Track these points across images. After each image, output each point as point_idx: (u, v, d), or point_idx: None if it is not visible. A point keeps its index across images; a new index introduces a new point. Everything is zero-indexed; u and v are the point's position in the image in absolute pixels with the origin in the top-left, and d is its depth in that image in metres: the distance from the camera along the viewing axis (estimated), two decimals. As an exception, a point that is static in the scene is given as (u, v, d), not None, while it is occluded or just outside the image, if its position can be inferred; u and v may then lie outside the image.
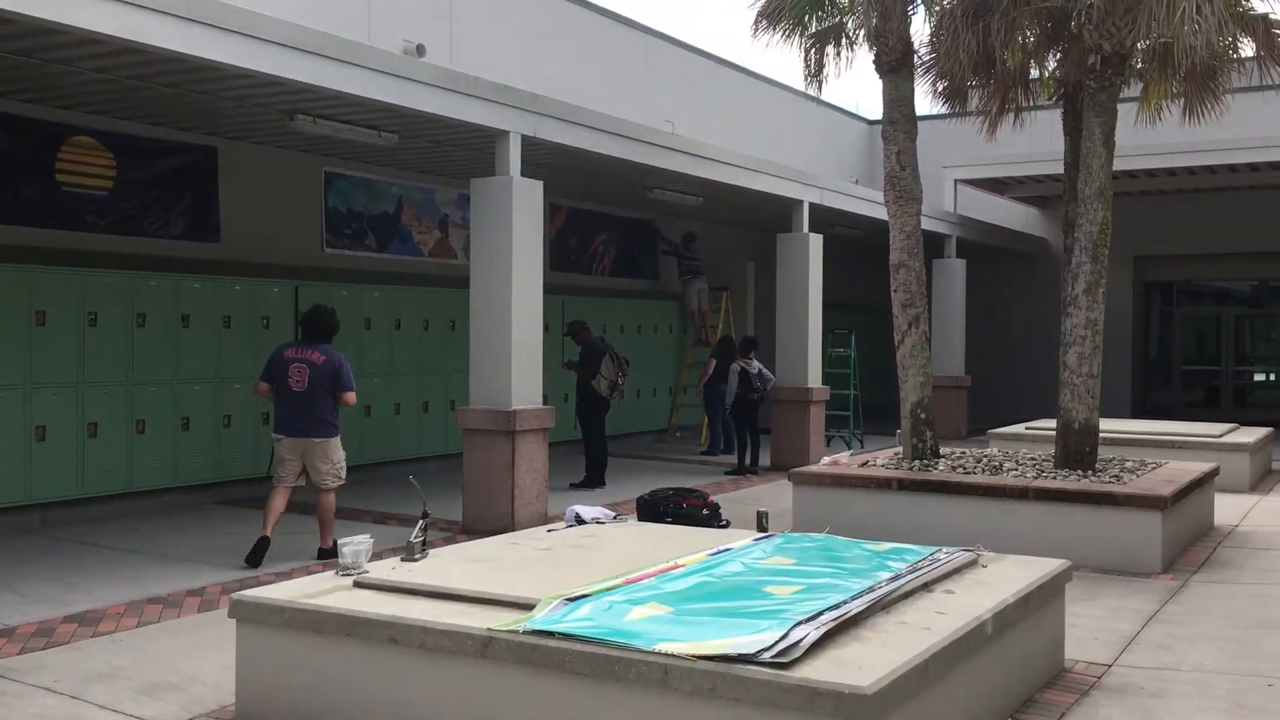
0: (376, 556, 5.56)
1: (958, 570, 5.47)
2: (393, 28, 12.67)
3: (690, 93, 17.95)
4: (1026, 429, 13.88)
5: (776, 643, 3.99)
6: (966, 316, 19.10)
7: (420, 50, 12.72)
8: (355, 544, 5.25)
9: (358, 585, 5.04)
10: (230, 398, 11.00)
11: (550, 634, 4.22)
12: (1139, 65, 10.11)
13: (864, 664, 3.94)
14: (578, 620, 4.31)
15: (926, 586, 5.11)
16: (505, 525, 8.89)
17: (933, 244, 18.52)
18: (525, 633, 4.25)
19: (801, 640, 4.03)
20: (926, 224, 17.13)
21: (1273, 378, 22.52)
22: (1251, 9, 9.43)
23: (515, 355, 9.49)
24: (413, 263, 13.31)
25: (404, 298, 12.84)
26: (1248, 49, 9.77)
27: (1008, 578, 5.42)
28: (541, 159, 10.74)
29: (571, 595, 4.60)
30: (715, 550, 5.65)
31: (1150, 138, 13.03)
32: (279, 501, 8.33)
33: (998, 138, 11.92)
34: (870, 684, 3.74)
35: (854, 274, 19.85)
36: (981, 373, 20.51)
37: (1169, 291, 22.97)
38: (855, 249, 18.69)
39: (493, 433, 9.48)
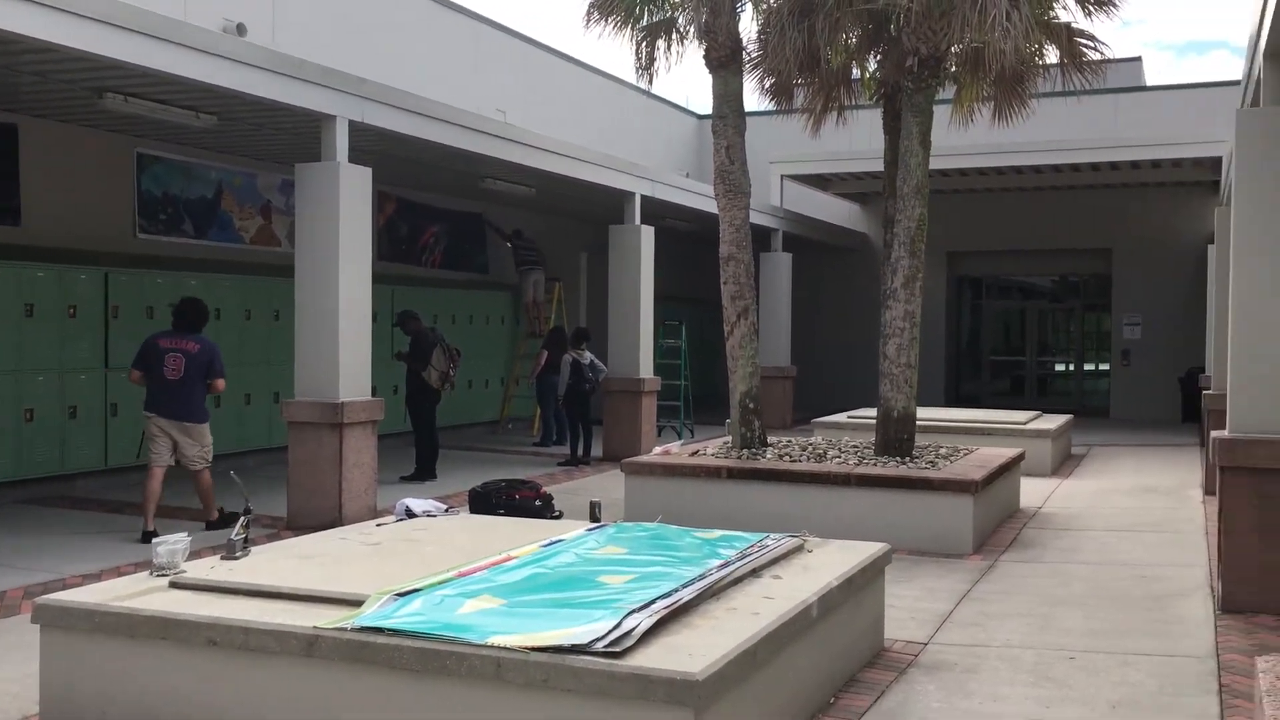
0: (195, 555, 5.34)
1: (785, 556, 5.62)
2: (211, 5, 12.15)
3: (523, 82, 17.85)
4: (849, 418, 14.35)
5: (609, 632, 4.01)
6: (793, 309, 19.61)
7: (241, 29, 12.25)
8: (171, 543, 5.02)
9: (174, 586, 4.83)
10: (33, 390, 10.37)
11: (380, 630, 4.14)
12: (953, 68, 10.56)
13: (695, 650, 4.01)
14: (408, 615, 4.23)
15: (755, 572, 5.23)
16: (333, 520, 8.66)
17: (760, 238, 18.95)
18: (353, 630, 4.15)
19: (634, 629, 4.06)
20: (754, 218, 17.48)
21: (1071, 368, 23.92)
22: (1056, 18, 9.98)
23: (342, 346, 9.26)
24: (233, 250, 12.81)
25: (224, 286, 12.34)
26: (1052, 56, 10.34)
27: (831, 562, 5.60)
28: (370, 145, 10.49)
29: (401, 590, 4.51)
30: (548, 541, 5.64)
31: (964, 138, 13.64)
32: (155, 485, 8.65)
33: (821, 135, 12.27)
34: (701, 669, 3.81)
35: (685, 266, 20.13)
36: (807, 363, 21.13)
37: (979, 286, 24.13)
38: (686, 241, 18.96)
39: (319, 425, 9.22)
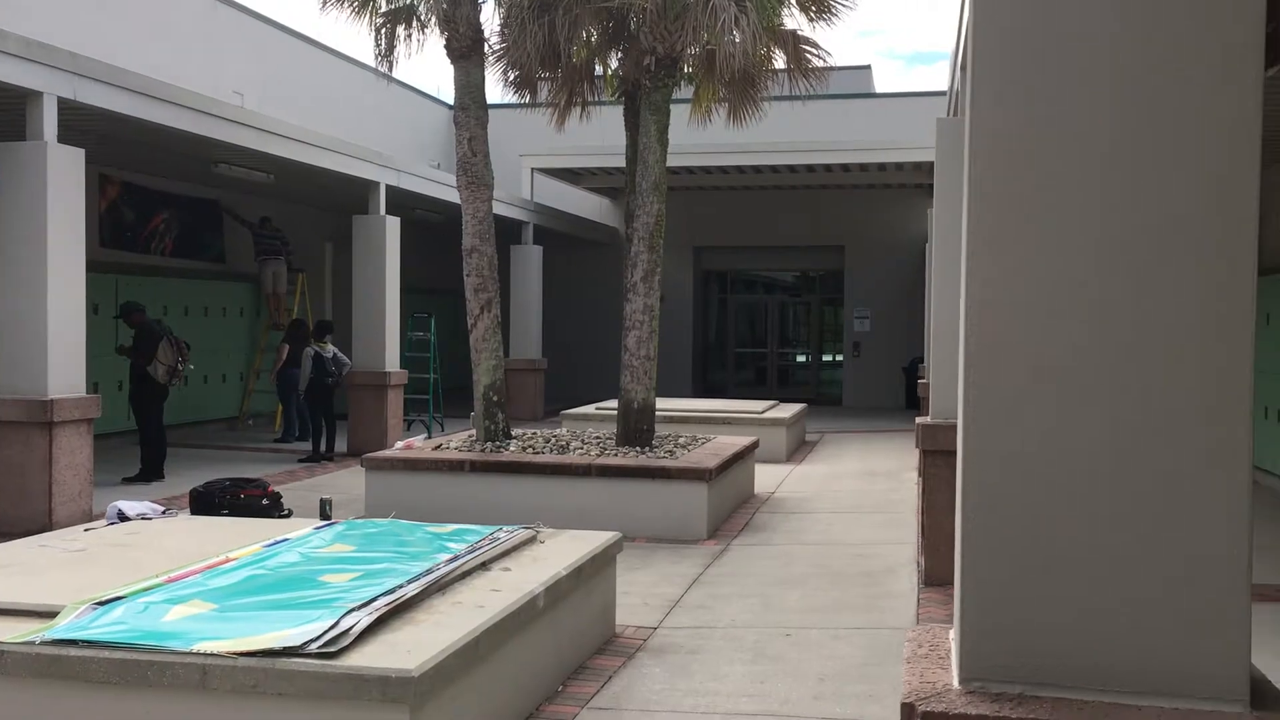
0: None
1: (517, 548, 5.65)
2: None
3: (264, 65, 17.14)
4: (596, 409, 14.58)
5: (325, 632, 3.93)
6: (546, 301, 19.72)
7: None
8: None
9: None
10: None
11: (74, 643, 3.89)
12: (689, 69, 10.89)
13: (415, 646, 3.98)
14: (107, 625, 4.01)
15: (485, 565, 5.24)
16: (43, 526, 8.08)
17: (512, 230, 18.98)
18: (42, 644, 3.89)
19: (352, 628, 4.00)
20: (505, 210, 17.52)
21: (810, 359, 25.17)
22: (783, 25, 10.46)
23: (52, 339, 8.63)
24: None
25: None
26: (780, 61, 10.83)
27: (562, 552, 5.68)
28: (85, 125, 9.82)
29: (103, 599, 4.26)
30: (271, 541, 5.47)
31: (705, 137, 14.08)
32: None
33: (568, 130, 12.39)
34: (418, 665, 3.78)
35: (437, 257, 19.89)
36: (560, 356, 21.31)
37: (725, 280, 25.00)
38: (439, 232, 18.72)
39: (26, 425, 8.58)
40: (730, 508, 9.86)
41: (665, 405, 14.47)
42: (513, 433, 10.40)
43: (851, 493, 11.25)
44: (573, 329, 22.67)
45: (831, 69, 11.01)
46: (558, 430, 12.01)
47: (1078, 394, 2.07)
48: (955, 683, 2.06)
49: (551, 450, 9.77)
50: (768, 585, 7.32)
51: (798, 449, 14.82)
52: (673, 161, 14.65)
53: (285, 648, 3.82)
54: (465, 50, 10.04)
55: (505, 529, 5.93)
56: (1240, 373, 1.97)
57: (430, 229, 18.49)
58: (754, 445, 11.02)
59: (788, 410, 14.91)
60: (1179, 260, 2.03)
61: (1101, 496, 2.07)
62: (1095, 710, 1.93)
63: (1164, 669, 2.01)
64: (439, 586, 4.75)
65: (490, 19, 14.68)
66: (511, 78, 11.20)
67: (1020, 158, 2.07)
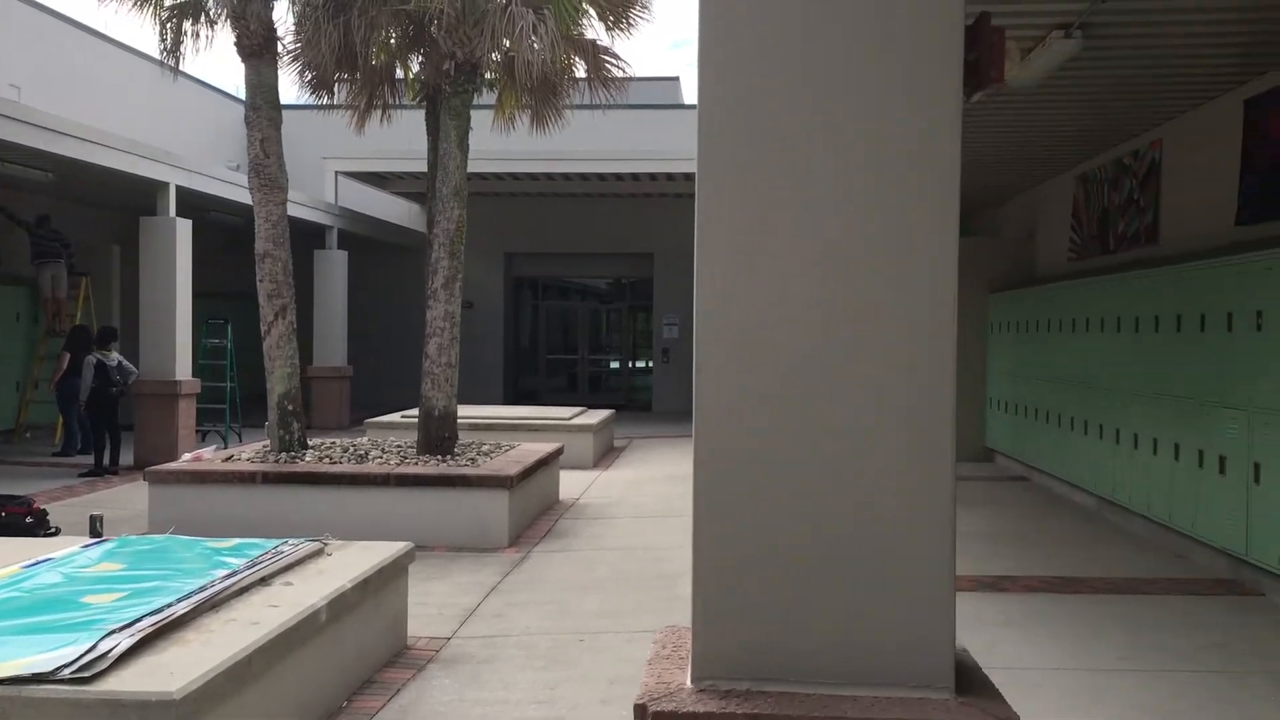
0: None
1: (301, 561, 5.50)
2: None
3: (42, 57, 16.16)
4: (402, 417, 14.33)
5: (81, 656, 3.73)
6: (354, 307, 19.27)
7: None
8: None
9: None
10: None
11: None
12: (490, 75, 10.85)
13: (180, 668, 3.82)
14: None
15: (265, 580, 5.08)
16: None
17: (315, 235, 18.48)
18: None
19: (111, 651, 3.81)
20: (305, 214, 17.04)
21: (622, 365, 25.42)
22: (583, 34, 10.55)
23: None
24: None
25: None
26: (581, 71, 10.91)
27: (350, 564, 5.55)
28: None
29: None
30: (31, 562, 5.16)
31: (511, 143, 14.04)
32: None
33: (368, 133, 12.15)
34: (180, 688, 3.63)
35: (236, 261, 19.16)
36: (369, 363, 20.86)
37: (537, 286, 24.99)
38: (239, 235, 18.05)
39: None
40: (533, 515, 9.85)
41: (472, 412, 14.38)
42: (310, 442, 10.12)
43: (656, 497, 11.41)
44: (382, 335, 22.24)
45: (632, 79, 11.15)
46: (360, 439, 11.76)
47: (795, 400, 2.17)
48: (689, 682, 2.13)
49: (350, 460, 9.55)
50: (566, 591, 7.35)
51: (605, 455, 14.94)
52: (477, 167, 14.55)
53: (35, 674, 3.61)
54: (256, 49, 9.73)
55: (290, 542, 5.76)
56: (944, 378, 2.10)
57: (231, 231, 17.80)
58: (559, 451, 11.05)
59: (595, 416, 15.01)
60: (892, 275, 2.15)
61: (818, 496, 2.17)
62: (814, 702, 2.03)
63: (877, 661, 2.13)
64: (213, 604, 4.58)
65: (284, 17, 14.28)
66: (308, 78, 10.91)
67: (744, 185, 2.16)
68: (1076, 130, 10.36)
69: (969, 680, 2.20)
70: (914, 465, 2.13)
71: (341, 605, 5.03)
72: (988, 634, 6.28)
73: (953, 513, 2.15)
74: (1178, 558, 8.42)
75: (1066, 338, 11.02)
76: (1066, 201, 12.69)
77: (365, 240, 20.38)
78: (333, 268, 18.79)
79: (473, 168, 11.81)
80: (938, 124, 2.10)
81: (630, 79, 11.00)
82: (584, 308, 25.56)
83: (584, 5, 9.75)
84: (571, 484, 11.76)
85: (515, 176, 19.68)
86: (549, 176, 19.83)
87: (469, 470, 9.07)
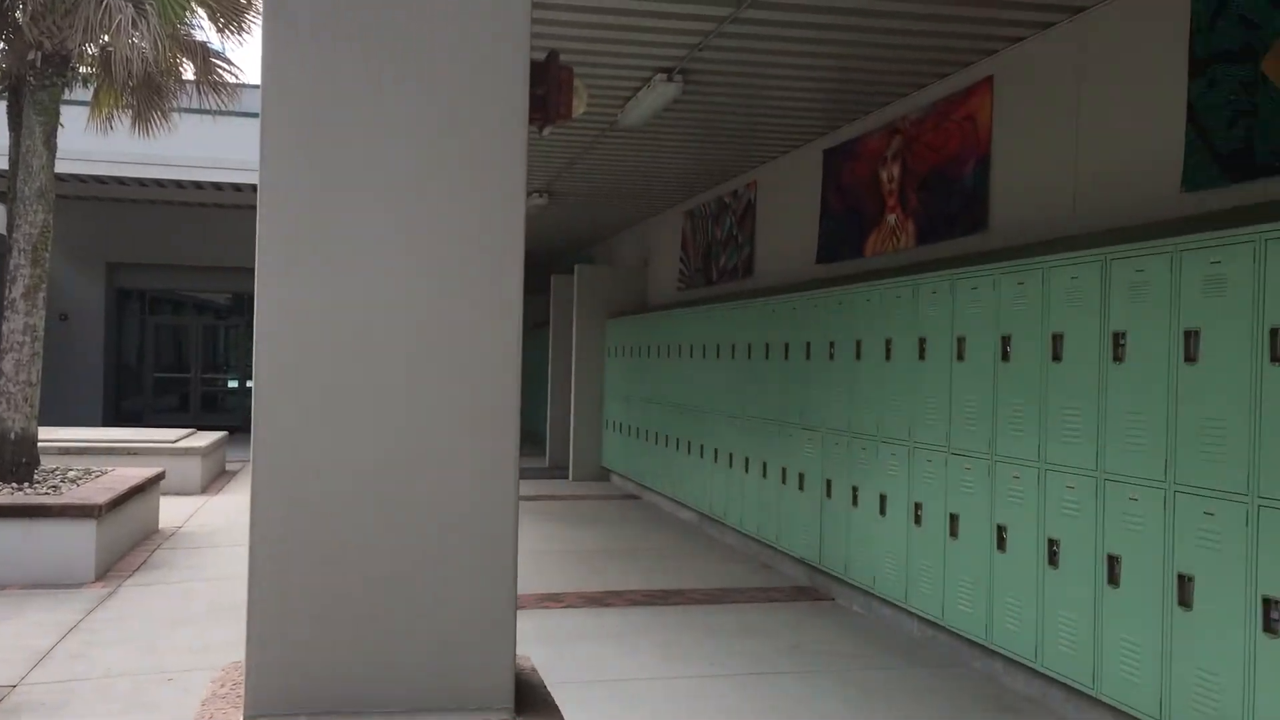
0: None
1: None
2: None
3: None
4: None
5: None
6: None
7: None
8: None
9: None
10: None
11: None
12: (85, 70, 10.02)
13: None
14: None
15: None
16: None
17: None
18: None
19: None
20: None
21: (239, 384, 24.13)
22: (190, 34, 9.97)
23: None
24: None
25: None
26: (191, 73, 10.31)
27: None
28: None
29: None
30: None
31: (112, 145, 13.00)
32: None
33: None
34: None
35: None
36: None
37: (145, 299, 23.25)
38: None
39: None
40: (127, 546, 9.13)
41: (61, 435, 13.16)
42: None
43: (266, 523, 10.91)
44: None
45: (246, 85, 10.68)
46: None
47: (350, 420, 2.16)
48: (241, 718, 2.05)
49: (-98, 490, 8.43)
50: (157, 627, 6.86)
51: (216, 479, 14.12)
52: (70, 168, 13.37)
53: None
54: None
55: None
56: (509, 397, 2.17)
57: None
58: (159, 476, 10.32)
59: (205, 439, 14.16)
60: (457, 302, 2.20)
61: (375, 519, 2.17)
62: (367, 731, 2.02)
63: (437, 684, 2.15)
64: None
65: None
66: None
67: (302, 206, 2.13)
68: (683, 168, 11.05)
69: (531, 698, 2.26)
70: (476, 485, 2.18)
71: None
72: (593, 649, 6.51)
73: (514, 531, 2.21)
74: (765, 567, 9.13)
75: (674, 363, 11.68)
76: (676, 234, 13.48)
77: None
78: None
79: (64, 168, 10.84)
80: (505, 155, 2.17)
81: (244, 85, 10.53)
82: (198, 323, 24.06)
83: (192, 4, 9.21)
84: (175, 511, 11.02)
85: (122, 181, 18.22)
86: (158, 183, 18.52)
87: (50, 499, 8.26)
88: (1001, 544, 5.78)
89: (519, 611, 2.28)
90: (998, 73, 6.79)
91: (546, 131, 2.37)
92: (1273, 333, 4.13)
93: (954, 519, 6.23)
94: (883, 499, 7.05)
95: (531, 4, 2.21)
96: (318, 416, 2.11)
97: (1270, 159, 4.78)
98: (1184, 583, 4.52)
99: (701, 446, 10.71)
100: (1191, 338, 4.52)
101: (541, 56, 2.32)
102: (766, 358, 9.08)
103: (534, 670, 2.42)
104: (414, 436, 2.12)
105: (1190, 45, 5.22)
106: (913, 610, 6.73)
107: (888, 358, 7.01)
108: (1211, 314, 4.43)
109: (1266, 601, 4.11)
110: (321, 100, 2.10)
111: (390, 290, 2.14)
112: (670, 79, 7.42)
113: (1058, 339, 5.35)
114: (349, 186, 2.12)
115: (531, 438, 21.05)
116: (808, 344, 8.25)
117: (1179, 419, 4.57)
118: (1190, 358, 4.53)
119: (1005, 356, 5.78)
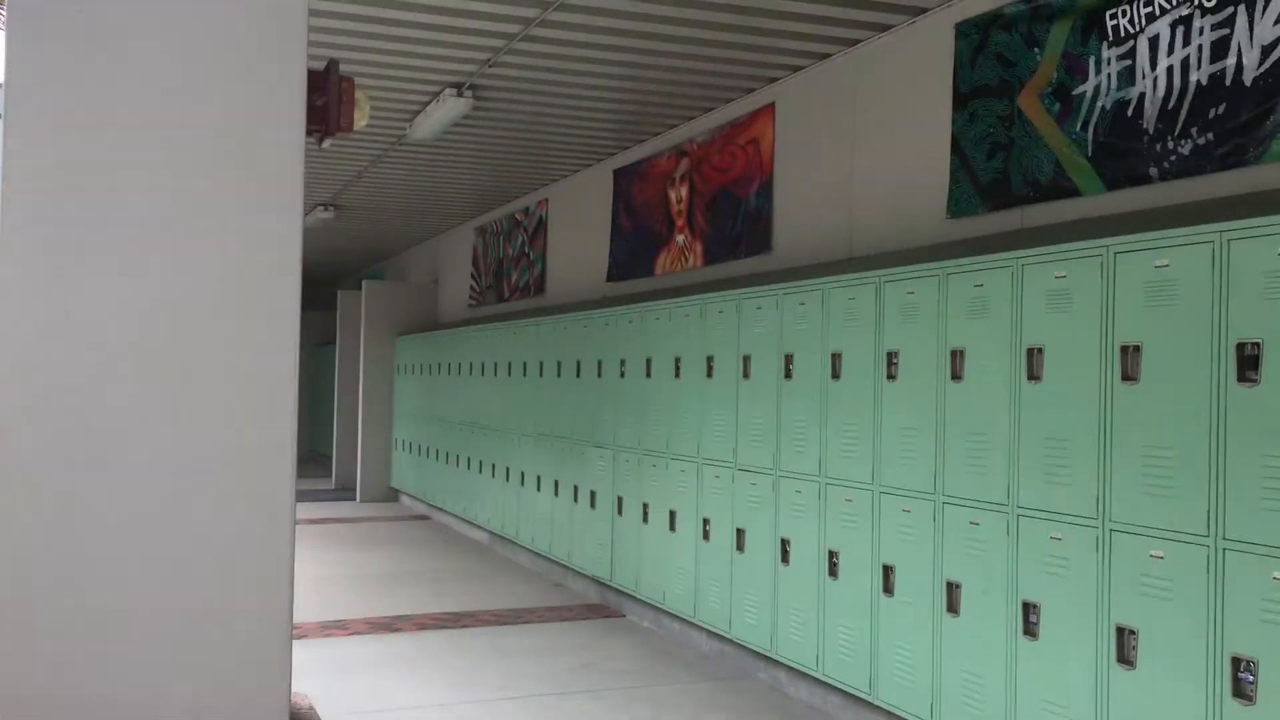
0: None
1: None
2: None
3: None
4: None
5: None
6: None
7: None
8: None
9: None
10: None
11: None
12: None
13: None
14: None
15: None
16: None
17: None
18: None
19: None
20: None
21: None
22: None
23: None
24: None
25: None
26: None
27: None
28: None
29: None
30: None
31: None
32: None
33: None
34: None
35: None
36: None
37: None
38: None
39: None
40: None
41: None
42: None
43: None
44: None
45: None
46: None
47: (104, 443, 2.02)
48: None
49: None
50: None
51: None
52: None
53: None
54: None
55: None
56: (285, 418, 2.07)
57: None
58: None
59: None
60: (227, 319, 2.08)
61: (131, 551, 2.03)
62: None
63: (215, 717, 2.02)
64: None
65: None
66: None
67: (48, 215, 1.98)
68: (474, 184, 10.96)
69: (304, 734, 2.16)
70: (247, 510, 2.06)
71: None
72: (379, 677, 6.32)
73: (290, 557, 2.10)
74: (557, 586, 9.11)
75: (466, 381, 11.54)
76: (468, 250, 13.36)
77: None
78: None
79: None
80: (282, 165, 2.07)
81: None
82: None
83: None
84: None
85: None
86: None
87: None
88: (785, 557, 5.95)
89: (299, 641, 2.17)
90: (779, 99, 7.03)
91: (326, 144, 2.28)
92: (1029, 352, 4.41)
93: (740, 533, 6.37)
94: (672, 515, 7.14)
95: (309, 11, 2.12)
96: (67, 439, 1.95)
97: (1025, 189, 5.11)
98: (952, 590, 4.76)
99: (494, 465, 10.61)
100: (957, 356, 4.78)
101: (321, 66, 2.23)
102: (559, 376, 9.08)
103: (311, 708, 2.31)
104: (177, 461, 1.99)
105: (954, 80, 5.54)
106: (702, 624, 6.84)
107: (677, 376, 7.12)
108: (975, 334, 4.69)
109: (1026, 605, 4.37)
110: (69, 104, 1.96)
111: (151, 306, 2.00)
112: (460, 94, 7.34)
113: (837, 358, 5.56)
114: (97, 199, 1.97)
115: (317, 459, 20.39)
116: (599, 362, 8.30)
117: (947, 434, 4.82)
118: (957, 376, 4.78)
119: (789, 374, 5.96)
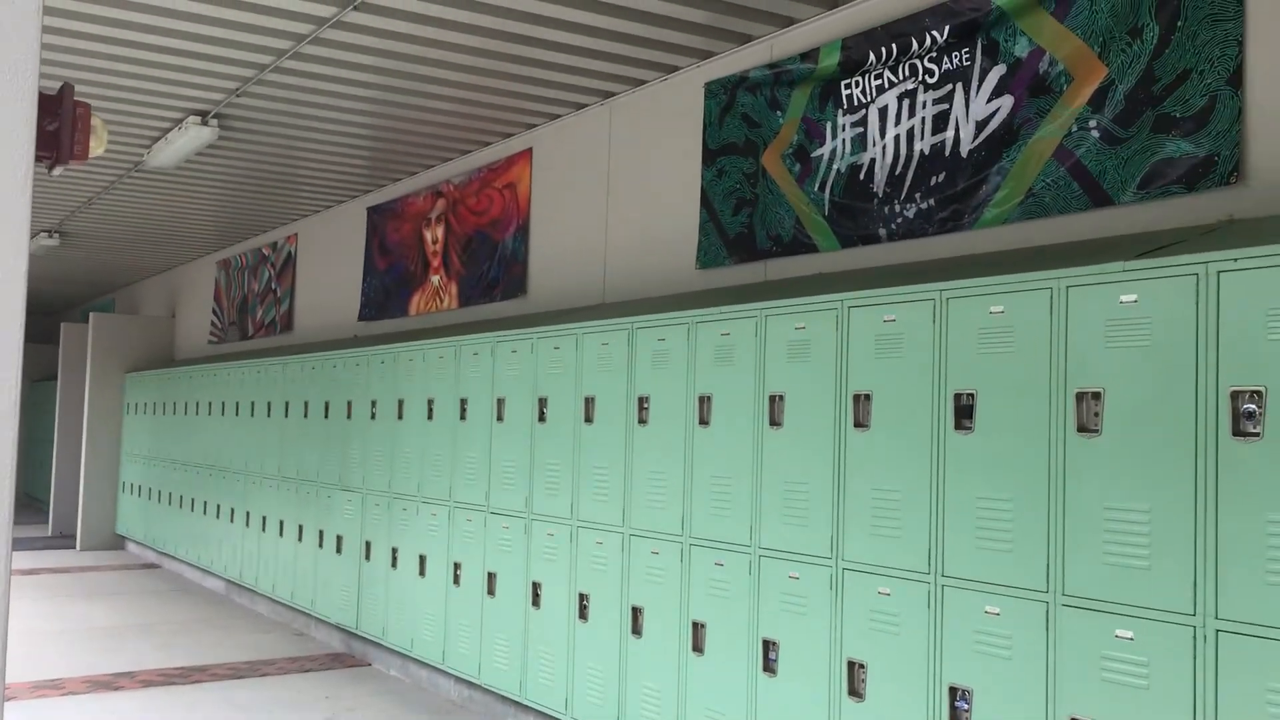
0: None
1: None
2: None
3: None
4: None
5: None
6: None
7: None
8: None
9: None
10: None
11: None
12: None
13: None
14: None
15: None
16: None
17: None
18: None
19: None
20: None
21: None
22: None
23: None
24: None
25: None
26: None
27: None
28: None
29: None
30: None
31: None
32: None
33: None
34: None
35: None
36: None
37: None
38: None
39: None
40: None
41: None
42: None
43: None
44: None
45: None
46: None
47: None
48: None
49: None
50: None
51: None
52: None
53: None
54: None
55: None
56: (2, 471, 1.92)
57: None
58: None
59: None
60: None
61: None
62: None
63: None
64: None
65: None
66: None
67: None
68: (218, 215, 10.49)
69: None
70: None
71: None
72: (97, 739, 5.87)
73: (3, 617, 1.93)
74: (299, 635, 8.74)
75: (204, 421, 10.97)
76: (209, 284, 12.75)
77: None
78: None
79: None
80: (5, 192, 1.93)
81: None
82: None
83: None
84: None
85: None
86: None
87: None
88: (537, 600, 5.95)
89: (8, 703, 1.99)
90: (536, 145, 7.12)
91: (57, 171, 2.14)
92: (771, 399, 4.62)
93: (492, 577, 6.33)
94: (422, 560, 7.02)
95: (42, 29, 1.99)
96: None
97: (768, 244, 5.38)
98: (698, 629, 4.90)
99: (232, 510, 10.11)
100: (705, 402, 4.95)
101: (55, 89, 2.10)
102: (305, 416, 8.77)
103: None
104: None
105: (704, 136, 5.79)
106: (450, 671, 6.73)
107: (430, 418, 7.03)
108: (721, 381, 4.88)
109: (766, 643, 4.55)
110: None
111: None
112: (205, 122, 7.04)
113: (590, 402, 5.64)
114: None
115: (31, 504, 18.83)
116: (349, 403, 8.08)
117: (694, 478, 4.98)
118: (704, 421, 4.95)
119: (543, 418, 6.00)
